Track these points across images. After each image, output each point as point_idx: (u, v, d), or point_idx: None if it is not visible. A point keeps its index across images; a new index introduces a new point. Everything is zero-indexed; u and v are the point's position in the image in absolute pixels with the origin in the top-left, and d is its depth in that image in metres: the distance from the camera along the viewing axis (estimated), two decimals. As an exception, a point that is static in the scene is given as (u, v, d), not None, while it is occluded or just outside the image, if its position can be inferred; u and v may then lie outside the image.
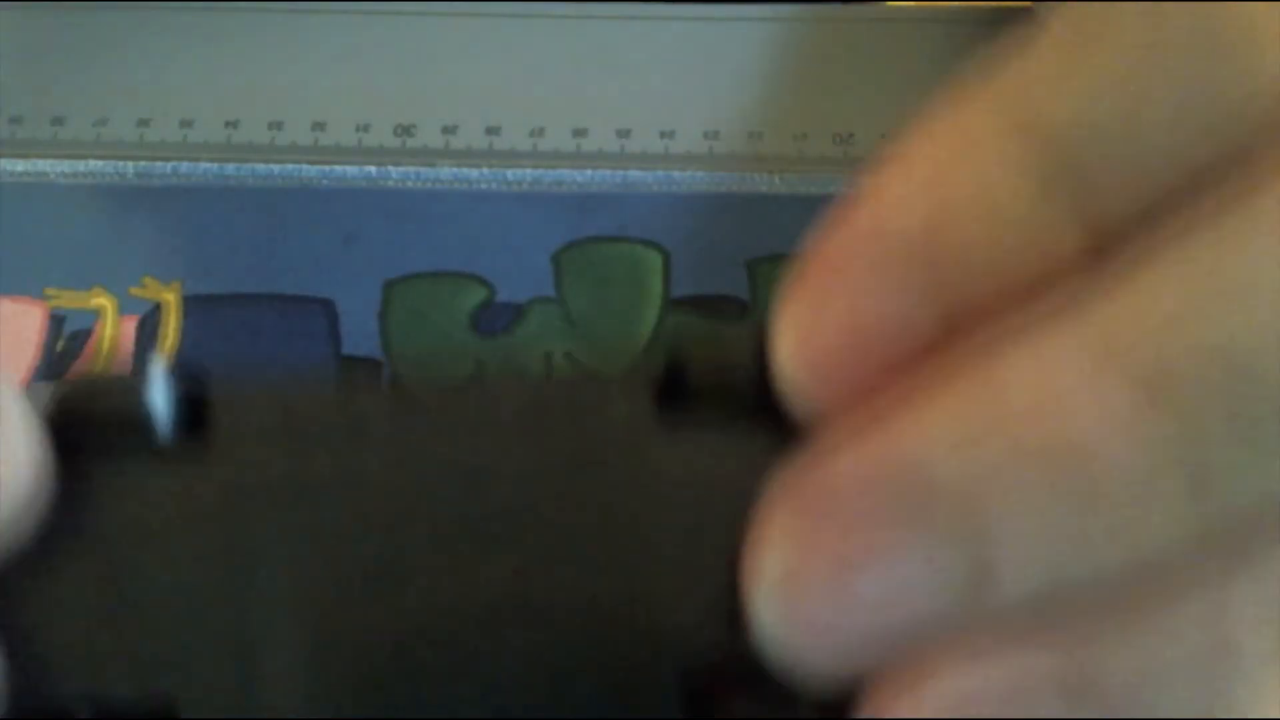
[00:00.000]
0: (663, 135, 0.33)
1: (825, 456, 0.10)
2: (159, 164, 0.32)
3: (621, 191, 0.32)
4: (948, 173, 0.11)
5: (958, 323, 0.11)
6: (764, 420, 0.11)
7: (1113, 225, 0.11)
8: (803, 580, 0.10)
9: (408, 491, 0.11)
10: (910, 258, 0.11)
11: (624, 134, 0.33)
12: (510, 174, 0.32)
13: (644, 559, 0.11)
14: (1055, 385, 0.10)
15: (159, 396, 0.12)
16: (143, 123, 0.33)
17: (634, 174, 0.32)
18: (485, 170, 0.32)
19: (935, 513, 0.10)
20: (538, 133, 0.33)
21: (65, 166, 0.32)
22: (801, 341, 0.11)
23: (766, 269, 0.31)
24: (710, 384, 0.11)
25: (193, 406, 0.12)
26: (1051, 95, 0.11)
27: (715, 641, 0.11)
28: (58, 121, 0.33)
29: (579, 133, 0.33)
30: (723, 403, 0.11)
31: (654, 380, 0.11)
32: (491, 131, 0.33)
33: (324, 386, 0.12)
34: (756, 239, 0.31)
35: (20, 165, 0.32)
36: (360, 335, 0.30)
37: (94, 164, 0.32)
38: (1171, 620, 0.10)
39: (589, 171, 0.32)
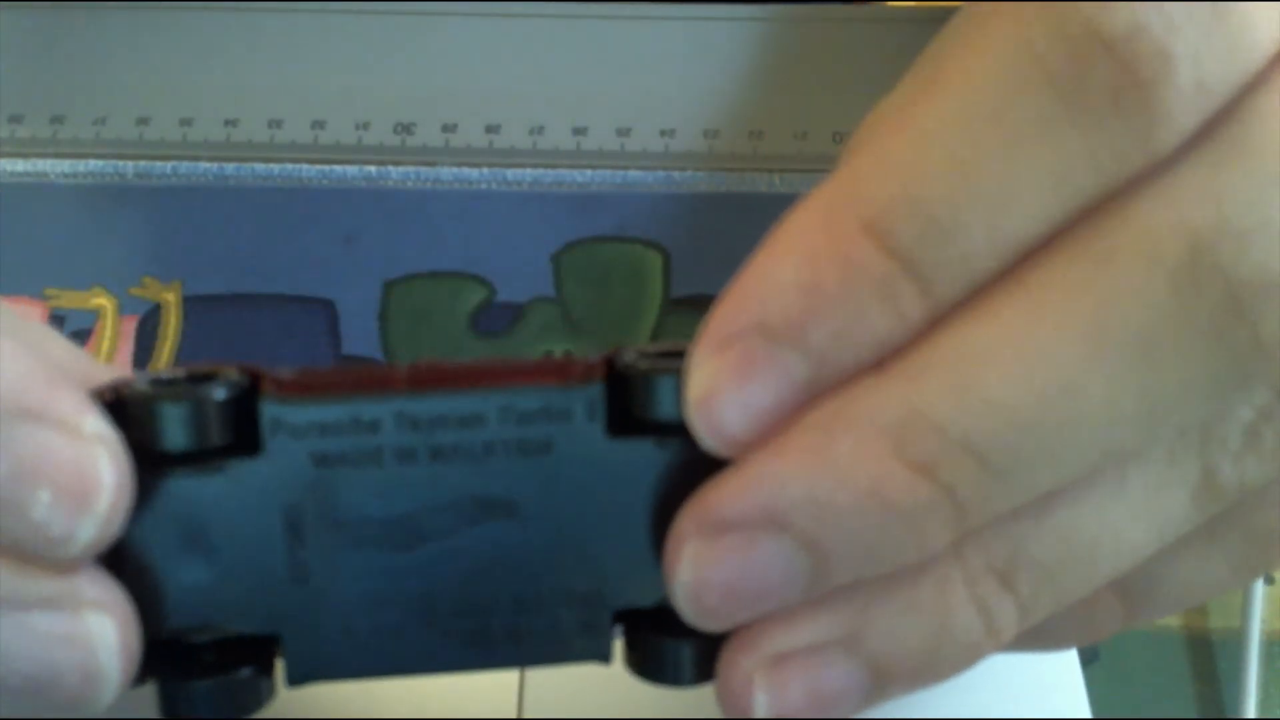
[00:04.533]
0: (663, 134, 0.33)
1: (720, 492, 0.15)
2: (158, 164, 0.32)
3: (621, 191, 0.32)
4: (811, 266, 0.14)
5: (822, 386, 0.14)
6: (684, 441, 0.15)
7: (950, 299, 0.14)
8: (703, 582, 0.15)
9: (423, 485, 0.16)
10: (780, 335, 0.14)
11: (624, 132, 0.33)
12: (510, 174, 0.32)
13: (591, 535, 0.16)
14: (859, 458, 0.14)
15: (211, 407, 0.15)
16: (142, 121, 0.33)
17: (634, 174, 0.32)
18: (485, 170, 0.32)
19: (788, 536, 0.14)
20: (537, 131, 0.33)
21: (65, 166, 0.32)
22: (699, 400, 0.14)
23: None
24: (645, 414, 0.15)
25: (244, 412, 0.15)
26: (889, 190, 0.14)
27: (641, 593, 0.16)
28: (57, 120, 0.33)
29: (579, 131, 0.33)
30: (654, 427, 0.15)
31: (604, 407, 0.16)
32: (491, 130, 0.33)
33: (350, 401, 0.16)
34: (756, 239, 0.31)
35: (20, 165, 0.32)
36: (360, 335, 0.30)
37: (93, 164, 0.32)
38: (912, 595, 0.15)
39: (589, 171, 0.32)
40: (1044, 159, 0.13)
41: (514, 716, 0.23)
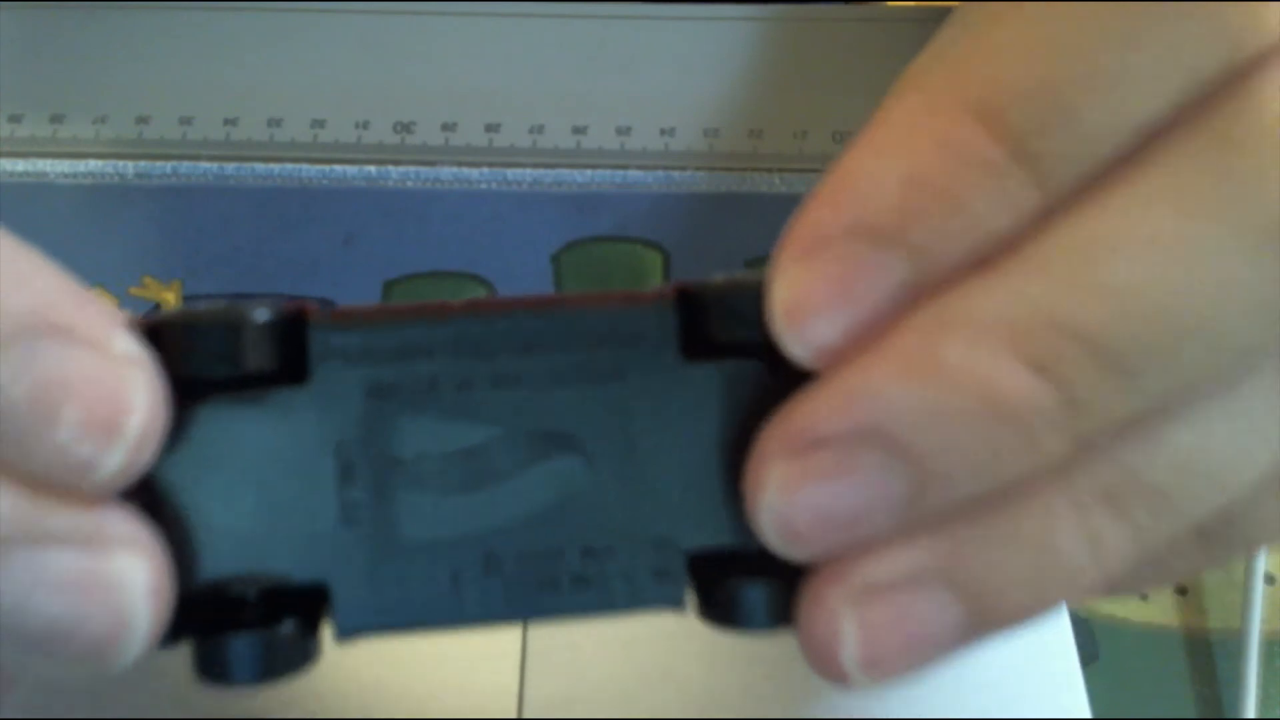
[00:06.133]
0: (663, 133, 0.33)
1: (811, 405, 0.13)
2: (158, 164, 0.32)
3: (621, 191, 0.32)
4: (913, 156, 0.13)
5: (924, 287, 0.13)
6: (764, 359, 0.14)
7: (1065, 188, 0.13)
8: (793, 505, 0.13)
9: (483, 416, 0.15)
10: (880, 234, 0.13)
11: (624, 131, 0.33)
12: (510, 174, 0.32)
13: (663, 469, 0.15)
14: (971, 360, 0.13)
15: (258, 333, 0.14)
16: (141, 120, 0.33)
17: (634, 174, 0.32)
18: (485, 170, 0.32)
19: (887, 451, 0.13)
20: (537, 130, 0.33)
21: (65, 166, 0.32)
22: (788, 309, 0.13)
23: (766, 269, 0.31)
24: (721, 334, 0.14)
25: (291, 340, 0.14)
26: (1000, 73, 0.13)
27: (714, 533, 0.15)
28: (57, 119, 0.33)
29: (579, 130, 0.33)
30: (731, 346, 0.14)
31: (678, 328, 0.15)
32: (491, 129, 0.33)
33: (402, 323, 0.15)
34: (756, 239, 0.31)
35: (20, 165, 0.32)
36: (360, 335, 0.30)
37: (93, 164, 0.32)
38: (1014, 521, 0.14)
39: (589, 171, 0.32)
40: (1166, 35, 0.13)
41: (514, 717, 0.23)
